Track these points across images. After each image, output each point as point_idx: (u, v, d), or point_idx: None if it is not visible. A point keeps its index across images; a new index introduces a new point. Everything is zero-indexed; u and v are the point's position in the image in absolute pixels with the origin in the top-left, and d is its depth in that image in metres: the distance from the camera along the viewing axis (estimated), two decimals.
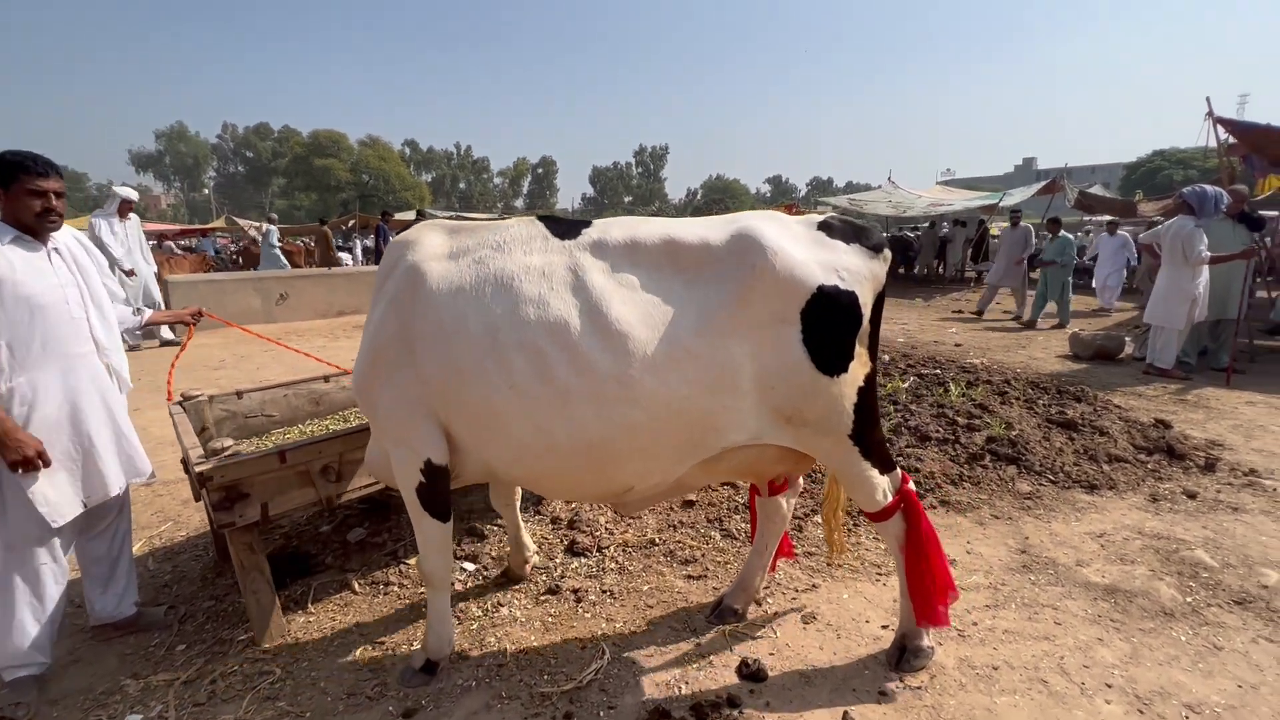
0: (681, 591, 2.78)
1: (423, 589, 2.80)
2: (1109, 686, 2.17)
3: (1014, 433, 4.31)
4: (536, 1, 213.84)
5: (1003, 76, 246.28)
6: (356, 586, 2.85)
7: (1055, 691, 2.15)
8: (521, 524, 2.85)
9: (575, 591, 2.77)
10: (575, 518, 3.38)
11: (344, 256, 18.81)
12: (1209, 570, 2.88)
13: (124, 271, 7.83)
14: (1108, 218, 12.80)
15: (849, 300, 1.94)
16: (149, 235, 11.81)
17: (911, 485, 2.20)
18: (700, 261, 1.94)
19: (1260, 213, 7.11)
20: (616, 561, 3.03)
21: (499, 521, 3.34)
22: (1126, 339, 7.68)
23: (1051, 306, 10.01)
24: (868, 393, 2.04)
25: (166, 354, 8.12)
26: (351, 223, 25.31)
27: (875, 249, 2.04)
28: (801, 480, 2.62)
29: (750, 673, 2.23)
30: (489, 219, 2.29)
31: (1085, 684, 2.19)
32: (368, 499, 3.35)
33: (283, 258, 14.49)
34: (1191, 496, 3.63)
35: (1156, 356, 6.51)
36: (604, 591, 2.79)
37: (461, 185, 78.87)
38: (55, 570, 2.25)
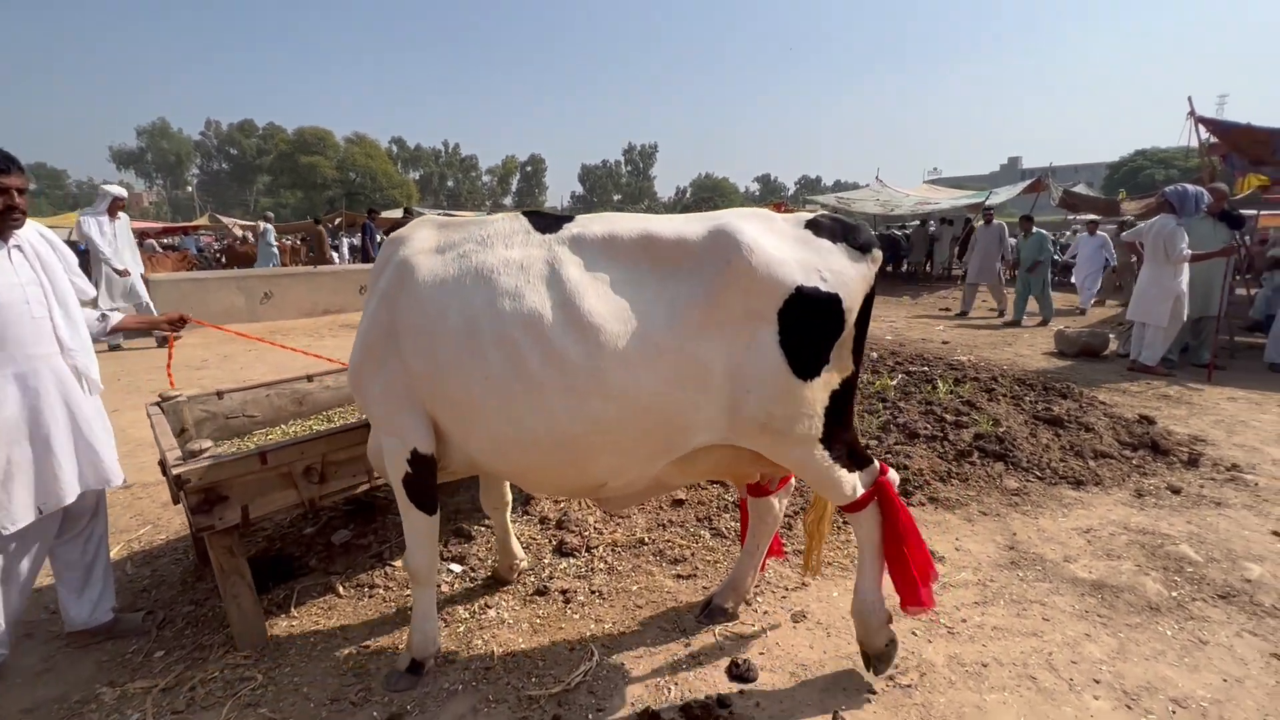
0: (671, 591, 2.76)
1: (409, 591, 2.76)
2: (1097, 682, 2.18)
3: (1001, 429, 4.34)
4: None
5: (988, 77, 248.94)
6: (341, 589, 2.80)
7: (1044, 688, 2.16)
8: (511, 529, 2.81)
9: (563, 592, 2.74)
10: (564, 518, 3.35)
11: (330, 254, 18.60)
12: (1193, 565, 2.91)
13: (115, 271, 7.69)
14: (1089, 217, 12.95)
15: (830, 302, 1.86)
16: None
17: (892, 476, 2.14)
18: (677, 257, 1.90)
19: (1239, 211, 7.21)
20: (605, 561, 3.00)
21: (486, 522, 3.31)
22: (1111, 336, 7.77)
23: (1035, 304, 10.12)
24: (843, 397, 1.98)
25: (151, 354, 7.98)
26: (338, 221, 25.01)
27: (863, 249, 1.95)
28: (794, 480, 2.60)
29: (740, 673, 2.22)
30: (477, 216, 2.27)
31: (1074, 680, 2.19)
32: (353, 500, 3.31)
33: (279, 256, 14.37)
34: (1175, 492, 3.67)
35: (1141, 353, 6.59)
36: (593, 592, 2.76)
37: (449, 183, 78.35)
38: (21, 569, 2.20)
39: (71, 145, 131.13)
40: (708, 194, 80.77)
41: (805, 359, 1.87)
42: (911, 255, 18.05)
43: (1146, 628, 2.48)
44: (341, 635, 2.51)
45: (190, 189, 69.03)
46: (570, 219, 2.06)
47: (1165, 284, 6.30)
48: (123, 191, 8.10)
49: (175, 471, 2.19)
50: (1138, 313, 6.60)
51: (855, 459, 2.07)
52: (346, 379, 3.70)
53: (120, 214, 7.98)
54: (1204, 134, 8.54)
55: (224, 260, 17.84)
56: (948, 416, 4.60)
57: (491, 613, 2.64)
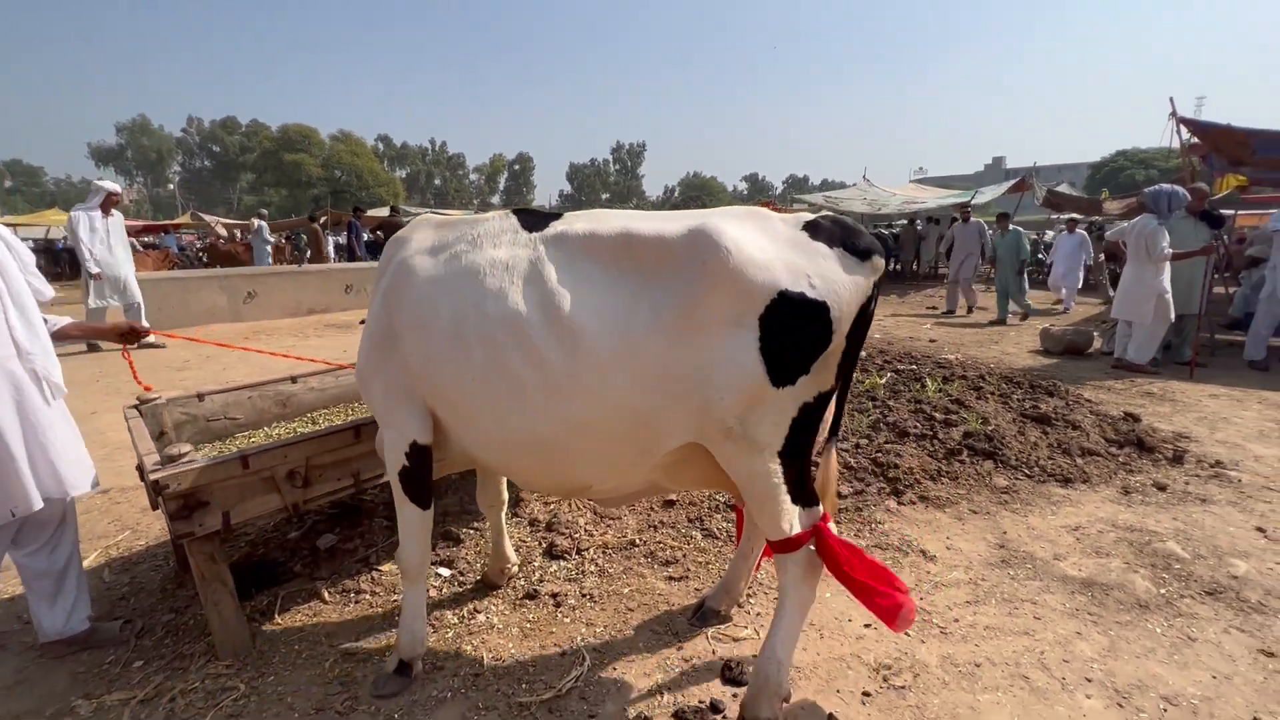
0: (663, 593, 2.73)
1: (396, 596, 2.71)
2: (1089, 681, 2.19)
3: (990, 428, 4.36)
4: None
5: (973, 77, 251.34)
6: (326, 595, 2.75)
7: (1037, 687, 2.16)
8: (505, 530, 2.77)
9: (554, 596, 2.71)
10: (554, 519, 3.31)
11: None
12: (1181, 562, 2.93)
13: (89, 272, 7.60)
14: (1068, 215, 13.13)
15: (817, 311, 1.73)
16: None
17: (833, 526, 1.97)
18: (657, 257, 1.83)
19: (1220, 211, 7.32)
20: (596, 564, 2.97)
21: (475, 524, 3.26)
22: (1095, 334, 7.86)
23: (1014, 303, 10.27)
24: (814, 411, 1.85)
25: (137, 355, 7.81)
26: (324, 219, 24.70)
27: (862, 255, 1.81)
28: None
29: (733, 676, 2.19)
30: (464, 214, 2.24)
31: (1066, 679, 2.19)
32: (338, 504, 3.25)
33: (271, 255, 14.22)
34: (1161, 489, 3.70)
35: (1127, 351, 6.68)
36: (584, 595, 2.72)
37: (436, 181, 77.79)
38: None
39: (49, 141, 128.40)
40: (696, 193, 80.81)
41: (784, 368, 1.75)
42: (902, 255, 18.17)
43: (1136, 625, 2.49)
44: (327, 642, 2.45)
45: (172, 187, 67.93)
46: (557, 216, 2.04)
47: (1148, 282, 6.40)
48: (117, 187, 8.04)
49: (153, 476, 2.12)
50: (1123, 311, 6.70)
51: (802, 493, 1.93)
52: (334, 380, 3.66)
53: (114, 210, 7.91)
54: (1185, 134, 8.65)
55: (206, 259, 17.56)
56: (937, 415, 4.62)
57: (481, 617, 2.59)
